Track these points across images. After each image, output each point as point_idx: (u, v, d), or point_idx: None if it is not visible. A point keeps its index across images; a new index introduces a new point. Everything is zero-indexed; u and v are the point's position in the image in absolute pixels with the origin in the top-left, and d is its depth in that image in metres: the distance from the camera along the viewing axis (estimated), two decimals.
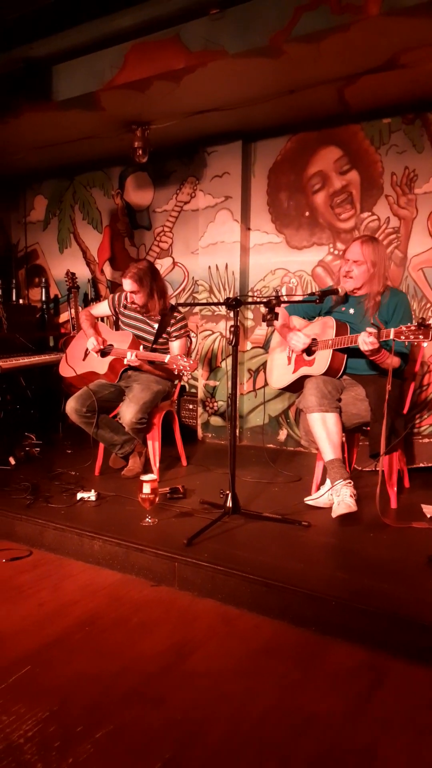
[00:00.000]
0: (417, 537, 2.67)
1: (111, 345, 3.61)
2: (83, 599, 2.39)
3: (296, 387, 3.19)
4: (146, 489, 2.81)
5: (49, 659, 1.97)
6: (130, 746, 1.56)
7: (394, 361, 2.85)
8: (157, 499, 2.86)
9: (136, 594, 2.43)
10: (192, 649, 2.01)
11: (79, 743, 1.57)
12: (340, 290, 3.06)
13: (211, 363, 4.68)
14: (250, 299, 4.38)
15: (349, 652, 2.00)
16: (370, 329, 2.75)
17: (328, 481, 2.89)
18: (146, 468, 3.64)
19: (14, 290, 5.64)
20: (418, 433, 3.85)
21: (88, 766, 1.49)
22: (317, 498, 3.05)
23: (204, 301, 4.62)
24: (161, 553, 2.52)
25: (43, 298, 5.37)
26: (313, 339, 3.12)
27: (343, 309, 3.13)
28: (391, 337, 2.68)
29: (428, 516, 2.90)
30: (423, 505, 3.02)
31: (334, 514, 2.74)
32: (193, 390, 4.88)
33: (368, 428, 2.98)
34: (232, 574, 2.32)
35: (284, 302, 2.83)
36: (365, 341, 2.74)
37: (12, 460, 3.92)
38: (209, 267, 4.56)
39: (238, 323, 2.76)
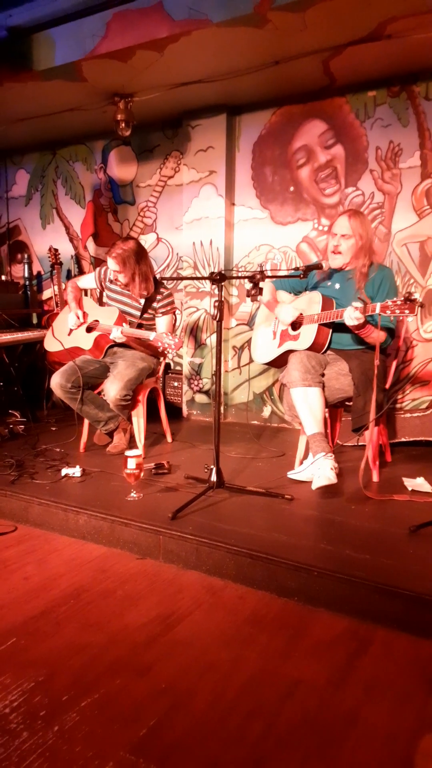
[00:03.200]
0: (398, 509, 2.71)
1: (96, 320, 3.58)
2: (69, 573, 2.40)
3: (280, 362, 3.20)
4: (131, 464, 2.81)
5: (34, 631, 1.98)
6: (116, 714, 1.59)
7: (380, 336, 2.86)
8: (142, 474, 2.87)
9: (122, 567, 2.45)
10: (177, 620, 2.04)
11: (65, 712, 1.59)
12: (324, 265, 3.05)
13: (196, 340, 4.66)
14: (234, 275, 4.36)
15: (332, 621, 2.03)
16: (356, 304, 2.76)
17: (310, 456, 2.91)
18: (131, 444, 3.64)
19: None
20: (400, 408, 3.88)
21: (74, 733, 1.51)
22: (300, 472, 3.08)
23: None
24: (146, 527, 2.54)
25: (26, 275, 5.29)
26: (299, 314, 3.12)
27: (329, 283, 3.13)
28: (377, 311, 2.68)
29: (409, 489, 2.95)
30: (404, 479, 3.06)
31: (313, 486, 2.77)
32: (178, 367, 4.87)
33: (351, 403, 3.00)
34: (216, 546, 2.34)
35: (268, 277, 2.82)
36: (351, 316, 2.75)
37: None
38: (194, 243, 4.52)
39: (223, 299, 2.75)
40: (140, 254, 3.44)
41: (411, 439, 3.64)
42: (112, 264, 3.42)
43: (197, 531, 2.45)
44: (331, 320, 2.93)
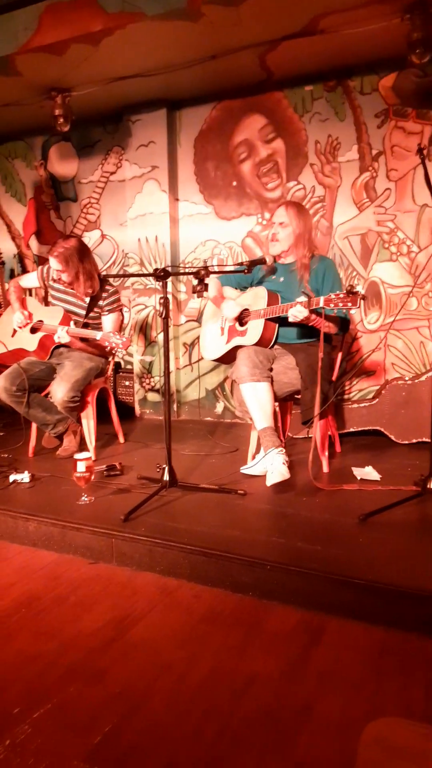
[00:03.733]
0: (348, 499, 2.76)
1: (41, 321, 3.50)
2: (20, 581, 2.34)
3: (229, 358, 3.20)
4: (81, 467, 2.76)
5: None
6: (70, 722, 1.56)
7: (330, 324, 2.91)
8: (92, 477, 2.83)
9: (75, 573, 2.41)
10: (132, 623, 2.02)
11: (16, 724, 1.55)
12: (268, 259, 3.07)
13: (146, 338, 4.62)
14: (180, 270, 4.34)
15: (287, 614, 2.05)
16: (300, 299, 2.78)
17: (262, 450, 2.93)
18: (82, 447, 3.58)
19: None
20: (348, 399, 3.95)
21: (25, 746, 1.47)
22: (252, 467, 3.09)
23: None
24: (98, 530, 2.50)
25: None
26: (245, 309, 3.13)
27: (273, 277, 3.15)
28: (321, 304, 2.71)
29: (358, 478, 3.00)
30: (353, 468, 3.12)
31: (268, 483, 2.79)
32: (128, 366, 4.82)
33: (299, 396, 3.03)
34: (170, 546, 2.33)
35: (213, 272, 2.82)
36: (295, 314, 2.78)
37: None
38: (139, 239, 4.47)
39: (171, 296, 2.73)
40: (83, 252, 3.37)
41: (359, 429, 3.71)
42: (54, 263, 3.34)
43: (150, 532, 2.43)
44: (277, 315, 2.95)
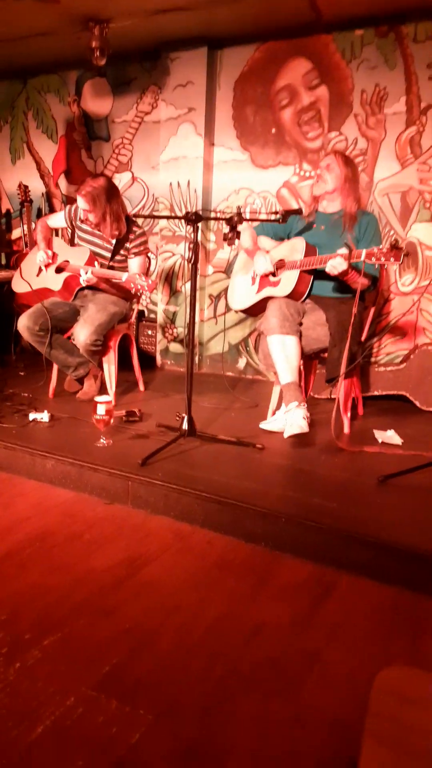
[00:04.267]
0: (368, 461, 2.72)
1: (66, 261, 3.45)
2: (35, 516, 2.37)
3: (257, 310, 3.14)
4: (100, 410, 2.76)
5: None
6: (78, 653, 1.58)
7: (363, 281, 2.82)
8: (111, 420, 2.82)
9: (90, 512, 2.43)
10: (144, 563, 2.03)
11: (27, 650, 1.58)
12: (304, 210, 2.97)
13: (171, 287, 4.56)
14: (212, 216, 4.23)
15: (298, 567, 2.05)
16: (341, 251, 2.70)
17: (283, 406, 2.89)
18: (102, 392, 3.57)
19: None
20: (375, 362, 3.88)
21: (35, 670, 1.50)
22: (272, 422, 3.06)
23: (164, 219, 4.44)
24: (115, 472, 2.51)
25: None
26: (280, 260, 3.05)
27: (315, 226, 3.05)
28: (362, 258, 2.63)
29: (380, 441, 2.96)
30: (375, 431, 3.07)
31: (285, 435, 2.76)
32: (152, 315, 4.77)
33: (326, 354, 2.97)
34: (185, 493, 2.33)
35: (246, 220, 2.73)
36: (334, 266, 2.70)
37: None
38: (170, 184, 4.35)
39: (199, 243, 2.66)
40: (111, 192, 3.29)
41: (384, 393, 3.65)
42: (81, 203, 3.27)
43: (167, 477, 2.43)
44: (314, 267, 2.86)
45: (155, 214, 4.51)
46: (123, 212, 3.38)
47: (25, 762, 1.25)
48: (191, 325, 2.74)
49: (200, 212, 2.63)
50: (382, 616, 1.80)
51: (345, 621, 1.76)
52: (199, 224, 2.65)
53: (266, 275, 3.10)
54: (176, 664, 1.56)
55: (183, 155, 4.27)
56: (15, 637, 1.63)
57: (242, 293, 3.25)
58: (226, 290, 4.29)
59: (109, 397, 2.85)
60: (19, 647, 1.58)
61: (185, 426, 2.81)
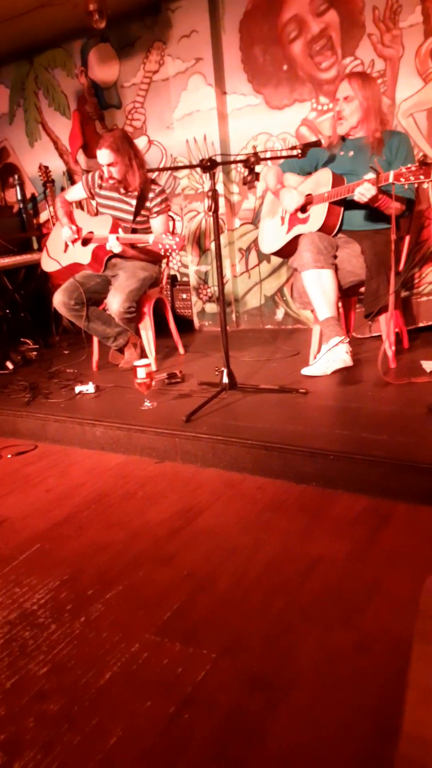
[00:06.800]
0: (417, 391, 2.63)
1: (91, 232, 3.45)
2: (90, 481, 2.42)
3: (289, 251, 3.04)
4: (140, 373, 2.78)
5: (58, 536, 2.01)
6: (140, 601, 1.61)
7: (396, 206, 2.69)
8: (153, 383, 2.84)
9: (141, 471, 2.46)
10: (198, 513, 2.05)
11: (90, 604, 1.62)
12: (323, 141, 2.85)
13: (200, 247, 4.50)
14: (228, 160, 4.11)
15: (352, 501, 2.01)
16: (367, 176, 2.58)
17: (324, 346, 2.82)
18: (143, 358, 3.59)
19: None
20: (418, 293, 3.73)
21: (100, 622, 1.54)
22: (314, 366, 2.99)
23: (185, 179, 4.36)
24: (162, 431, 2.53)
25: (19, 198, 5.11)
26: (307, 195, 2.94)
27: (342, 153, 2.93)
28: (390, 180, 2.51)
29: (428, 371, 2.86)
30: (422, 361, 2.96)
31: (329, 370, 2.70)
32: (185, 279, 4.74)
33: (363, 288, 2.87)
34: (231, 443, 2.32)
35: (263, 159, 2.64)
36: (362, 192, 2.58)
37: (9, 365, 3.89)
38: (186, 140, 4.26)
39: (223, 198, 2.59)
40: (131, 140, 3.31)
41: (429, 324, 3.51)
42: (105, 156, 3.22)
43: (212, 430, 2.43)
44: (343, 197, 2.75)
45: (178, 179, 4.42)
46: (144, 161, 3.36)
47: (96, 705, 1.29)
48: (219, 276, 2.69)
49: (215, 158, 2.55)
50: None
51: (404, 549, 1.73)
52: (217, 172, 2.58)
53: (295, 212, 3.00)
54: (235, 602, 1.57)
55: (196, 109, 4.16)
56: (78, 593, 1.68)
57: (272, 236, 3.16)
58: (255, 241, 4.20)
59: (148, 360, 2.86)
60: (83, 603, 1.63)
61: (225, 379, 2.79)
